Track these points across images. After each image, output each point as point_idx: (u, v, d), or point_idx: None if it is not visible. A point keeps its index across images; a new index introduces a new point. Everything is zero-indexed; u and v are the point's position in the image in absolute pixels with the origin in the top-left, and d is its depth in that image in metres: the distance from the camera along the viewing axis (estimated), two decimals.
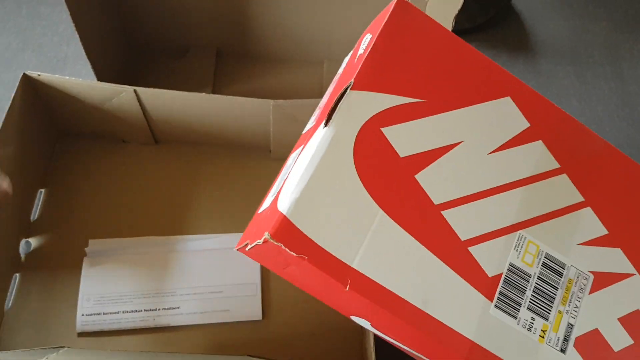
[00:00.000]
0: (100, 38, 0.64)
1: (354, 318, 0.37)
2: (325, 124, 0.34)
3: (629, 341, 0.36)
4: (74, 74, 0.74)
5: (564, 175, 0.38)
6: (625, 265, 0.38)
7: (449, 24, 0.59)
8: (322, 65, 0.77)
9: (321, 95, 0.73)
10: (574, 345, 0.35)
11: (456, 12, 0.58)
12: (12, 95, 0.55)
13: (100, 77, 0.64)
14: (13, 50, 0.75)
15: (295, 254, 0.31)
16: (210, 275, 0.58)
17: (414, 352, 0.36)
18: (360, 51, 0.38)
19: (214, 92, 0.73)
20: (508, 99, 0.38)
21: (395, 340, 0.36)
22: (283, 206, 0.32)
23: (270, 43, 0.75)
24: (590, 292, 0.37)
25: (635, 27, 0.85)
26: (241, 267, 0.59)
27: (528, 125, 0.38)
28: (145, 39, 0.75)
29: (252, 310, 0.57)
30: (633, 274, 0.38)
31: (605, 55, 0.82)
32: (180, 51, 0.76)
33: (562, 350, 0.35)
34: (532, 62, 0.81)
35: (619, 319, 0.37)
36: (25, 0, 0.80)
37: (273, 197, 0.34)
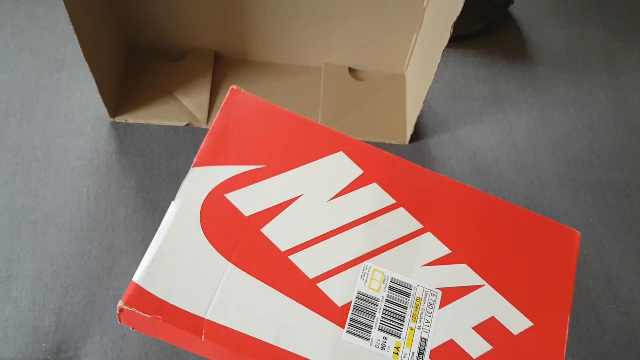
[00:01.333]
0: (98, 40, 0.64)
1: None
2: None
3: (487, 347, 0.39)
4: (71, 76, 0.74)
5: (401, 208, 0.43)
6: (474, 278, 0.41)
7: (447, 31, 0.59)
8: (320, 70, 0.77)
9: (318, 100, 0.74)
10: (430, 357, 0.38)
11: (454, 19, 0.58)
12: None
13: (99, 80, 0.64)
14: (10, 51, 0.75)
15: (149, 316, 0.36)
16: None
17: None
18: None
19: (211, 94, 0.73)
20: (341, 153, 0.44)
21: None
22: (136, 276, 0.37)
23: (268, 47, 0.75)
24: (440, 306, 0.40)
25: (632, 34, 0.86)
26: None
27: (362, 172, 0.43)
28: (143, 41, 0.75)
29: None
30: (483, 285, 0.41)
31: (601, 62, 0.83)
32: (178, 54, 0.76)
33: None
34: (529, 68, 0.82)
35: (474, 328, 0.40)
36: (23, 1, 0.80)
37: None
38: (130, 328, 0.59)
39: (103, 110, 0.71)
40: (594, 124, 0.78)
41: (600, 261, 0.68)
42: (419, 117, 0.70)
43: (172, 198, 0.67)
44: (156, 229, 0.65)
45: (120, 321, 0.38)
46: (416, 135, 0.74)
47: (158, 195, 0.67)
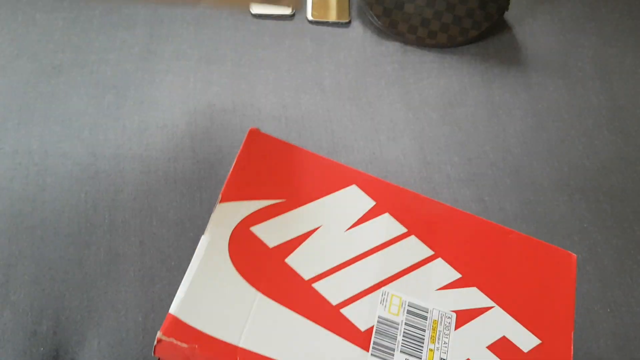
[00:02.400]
0: None
1: None
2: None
3: None
4: (69, 82, 0.74)
5: (413, 237, 0.46)
6: (484, 300, 0.44)
7: None
8: None
9: None
10: None
11: None
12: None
13: None
14: (7, 57, 0.75)
15: (186, 345, 0.38)
16: None
17: None
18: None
19: None
20: (354, 186, 0.47)
21: None
22: (173, 308, 0.39)
23: None
24: (456, 328, 0.42)
25: (625, 41, 0.87)
26: None
27: (374, 203, 0.47)
28: None
29: None
30: (492, 307, 0.44)
31: (595, 69, 0.84)
32: None
33: None
34: (523, 75, 0.82)
35: (488, 347, 0.42)
36: (21, 7, 0.80)
37: None
38: (128, 333, 0.59)
39: (102, 114, 0.72)
40: (588, 129, 0.79)
41: (595, 265, 0.69)
42: None
43: (170, 202, 0.67)
44: (154, 234, 0.65)
45: (154, 353, 0.40)
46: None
47: (156, 200, 0.67)
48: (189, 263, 0.65)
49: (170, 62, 0.77)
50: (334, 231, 0.45)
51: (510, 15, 0.87)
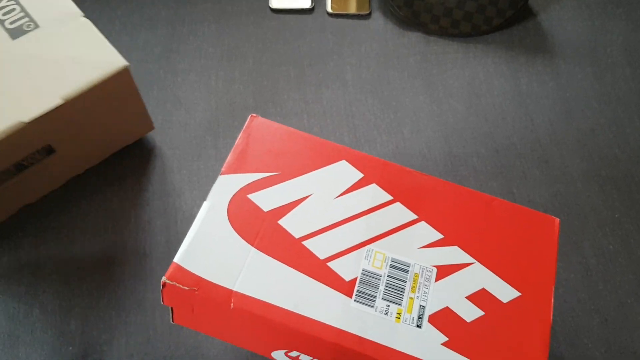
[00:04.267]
0: None
1: (273, 354, 0.48)
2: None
3: (480, 313, 0.45)
4: None
5: (398, 203, 0.50)
6: (465, 257, 0.47)
7: None
8: None
9: None
10: (429, 321, 0.44)
11: None
12: None
13: None
14: None
15: (187, 288, 0.43)
16: None
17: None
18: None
19: None
20: (344, 161, 0.51)
21: (305, 352, 0.46)
22: (176, 257, 0.45)
23: None
24: (436, 280, 0.46)
25: None
26: None
27: (362, 175, 0.51)
28: None
29: None
30: (473, 263, 0.47)
31: (625, 56, 0.81)
32: None
33: (418, 326, 0.44)
34: (550, 63, 0.80)
35: (467, 297, 0.46)
36: None
37: None
38: (155, 331, 0.60)
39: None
40: (619, 118, 0.76)
41: (628, 257, 0.66)
42: None
43: (195, 202, 0.67)
44: (179, 233, 0.65)
45: (162, 299, 0.46)
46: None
47: (180, 199, 0.67)
48: None
49: (192, 61, 0.77)
50: (324, 198, 0.49)
51: (535, 2, 0.85)
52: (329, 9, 0.82)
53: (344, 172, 0.51)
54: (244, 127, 0.53)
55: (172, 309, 0.48)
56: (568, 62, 0.81)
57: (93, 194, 0.67)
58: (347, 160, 0.51)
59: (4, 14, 0.60)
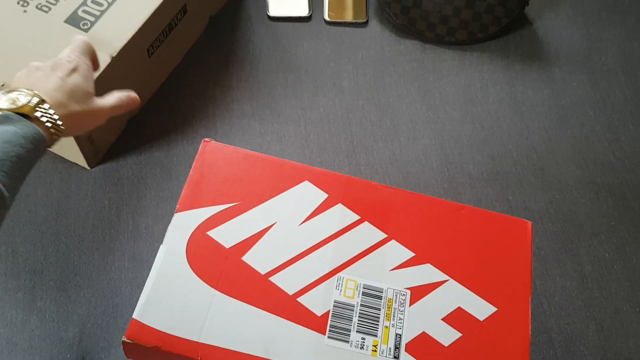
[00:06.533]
0: None
1: None
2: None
3: (457, 335, 0.44)
4: None
5: (366, 222, 0.48)
6: (438, 275, 0.46)
7: None
8: None
9: None
10: (406, 350, 0.43)
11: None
12: None
13: None
14: None
15: (150, 346, 0.41)
16: None
17: None
18: None
19: None
20: (306, 182, 0.49)
21: None
22: (135, 313, 0.43)
23: None
24: (411, 304, 0.44)
25: None
26: None
27: (327, 195, 0.49)
28: None
29: None
30: (446, 280, 0.46)
31: (619, 63, 0.82)
32: None
33: (396, 357, 0.42)
34: (545, 70, 0.81)
35: (443, 319, 0.44)
36: None
37: None
38: None
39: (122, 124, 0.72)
40: (613, 125, 0.77)
41: (623, 265, 0.67)
42: None
43: None
44: None
45: (126, 355, 0.43)
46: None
47: None
48: None
49: (188, 68, 0.78)
50: (288, 226, 0.47)
51: (530, 10, 0.86)
52: (326, 17, 0.82)
53: (308, 193, 0.49)
54: (197, 155, 0.50)
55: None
56: (563, 69, 0.81)
57: (90, 199, 0.68)
58: (309, 181, 0.50)
59: None
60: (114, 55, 0.63)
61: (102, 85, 0.62)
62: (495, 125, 0.76)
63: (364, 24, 0.83)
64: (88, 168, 0.69)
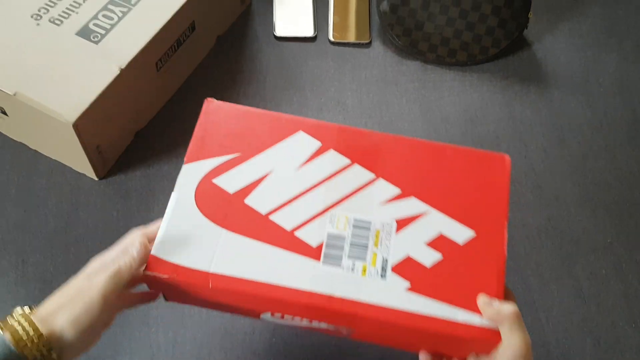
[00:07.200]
0: None
1: (262, 317, 0.51)
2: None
3: (439, 257, 0.48)
4: None
5: (356, 165, 0.52)
6: (422, 207, 0.50)
7: None
8: None
9: None
10: (392, 271, 0.47)
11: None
12: None
13: None
14: None
15: (166, 276, 0.46)
16: None
17: (298, 320, 0.50)
18: None
19: None
20: (300, 132, 0.54)
21: (285, 314, 0.49)
22: (153, 250, 0.48)
23: None
24: (397, 232, 0.49)
25: None
26: None
27: (320, 144, 0.53)
28: None
29: None
30: (429, 211, 0.50)
31: (616, 85, 0.84)
32: None
33: (382, 277, 0.47)
34: (544, 91, 0.83)
35: (426, 244, 0.49)
36: None
37: None
38: (159, 349, 0.61)
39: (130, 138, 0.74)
40: (610, 145, 0.79)
41: (619, 281, 0.68)
42: None
43: None
44: None
45: (148, 287, 0.49)
46: None
47: None
48: None
49: (195, 84, 0.80)
50: (285, 172, 0.52)
51: (529, 33, 0.88)
52: (331, 37, 0.85)
53: (302, 142, 0.53)
54: (201, 113, 0.54)
55: (162, 292, 0.51)
56: (561, 90, 0.84)
57: (99, 211, 0.69)
58: (303, 131, 0.54)
59: None
60: (123, 67, 0.65)
61: (111, 97, 0.64)
62: (495, 144, 0.78)
63: (368, 45, 0.85)
64: (96, 179, 0.71)
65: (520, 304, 0.66)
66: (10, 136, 0.73)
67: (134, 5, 0.70)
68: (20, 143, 0.73)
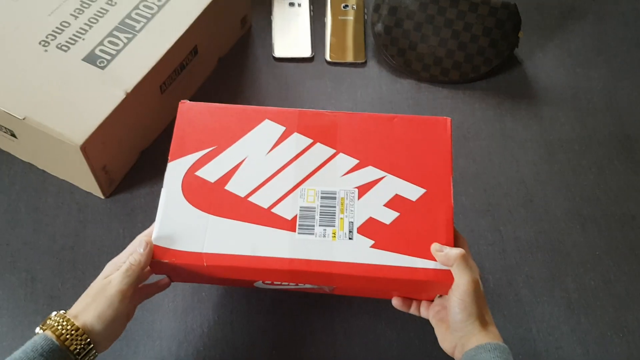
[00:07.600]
0: None
1: (256, 285, 0.61)
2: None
3: (396, 214, 0.56)
4: None
5: (318, 144, 0.60)
6: (378, 173, 0.58)
7: None
8: None
9: None
10: (358, 232, 0.56)
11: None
12: None
13: None
14: None
15: (167, 260, 0.54)
16: None
17: (282, 284, 0.60)
18: None
19: None
20: (266, 120, 0.61)
21: (273, 280, 0.59)
22: (154, 240, 0.55)
23: None
24: (359, 198, 0.57)
25: (634, 73, 0.90)
26: None
27: (284, 128, 0.60)
28: None
29: None
30: (385, 176, 0.58)
31: (605, 101, 0.87)
32: None
33: (350, 238, 0.55)
34: (534, 108, 0.86)
35: (385, 205, 0.57)
36: None
37: None
38: None
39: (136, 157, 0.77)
40: (599, 160, 0.81)
41: (608, 292, 0.71)
42: None
43: None
44: None
45: (154, 272, 0.58)
46: None
47: None
48: (218, 296, 0.69)
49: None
50: (257, 157, 0.59)
51: (520, 51, 0.91)
52: (328, 58, 0.88)
53: (269, 129, 0.60)
54: (177, 115, 0.61)
55: (167, 275, 0.60)
56: (551, 107, 0.86)
57: (106, 228, 0.72)
58: (269, 118, 0.61)
59: None
60: (129, 91, 0.68)
61: (117, 120, 0.67)
62: (487, 160, 0.81)
63: (363, 65, 0.88)
64: (103, 197, 0.74)
65: (511, 315, 0.69)
66: (20, 157, 0.76)
67: (138, 31, 0.73)
68: (29, 164, 0.76)
